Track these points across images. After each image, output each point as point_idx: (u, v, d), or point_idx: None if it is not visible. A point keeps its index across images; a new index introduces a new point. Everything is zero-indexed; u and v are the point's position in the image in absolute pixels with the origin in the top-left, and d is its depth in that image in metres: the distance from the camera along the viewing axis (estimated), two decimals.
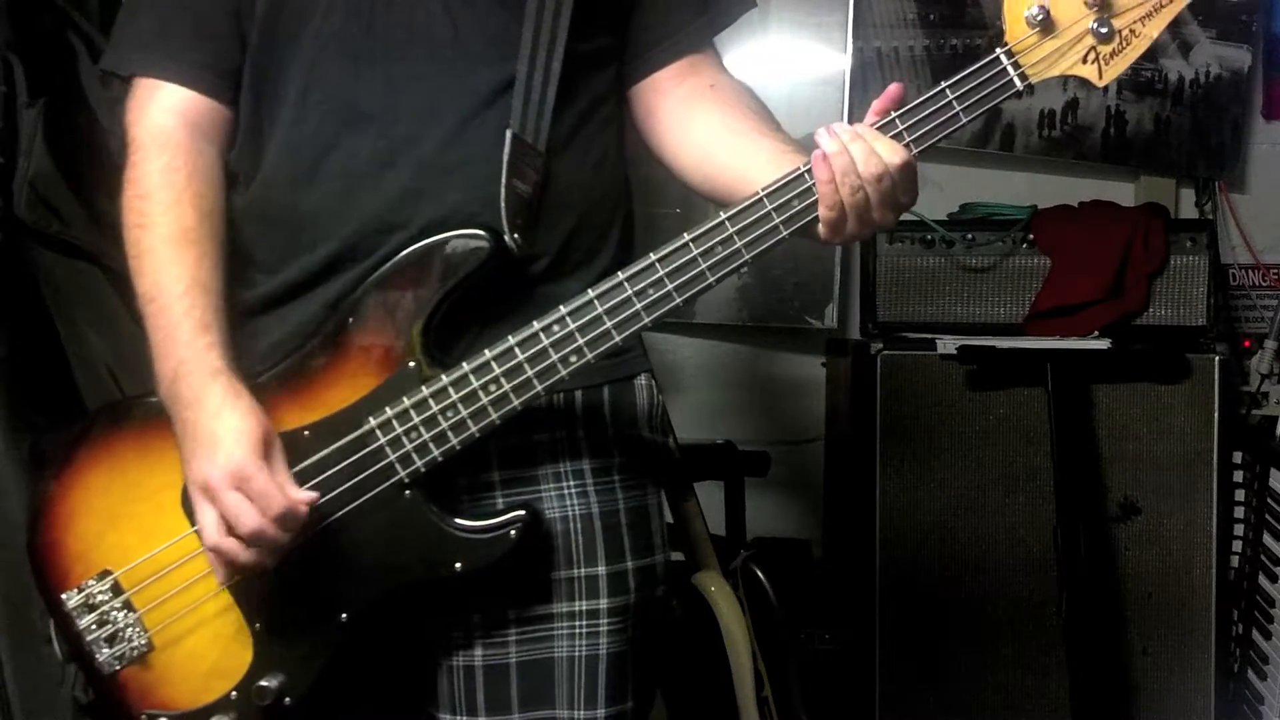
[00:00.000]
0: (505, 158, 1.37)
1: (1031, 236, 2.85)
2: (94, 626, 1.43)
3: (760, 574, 2.57)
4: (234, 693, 1.41)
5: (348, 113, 1.39)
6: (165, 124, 1.42)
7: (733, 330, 3.26)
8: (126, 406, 1.47)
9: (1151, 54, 3.16)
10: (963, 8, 3.08)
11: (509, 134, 1.37)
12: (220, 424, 1.31)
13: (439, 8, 1.39)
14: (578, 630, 1.44)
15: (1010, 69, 1.31)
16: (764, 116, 1.49)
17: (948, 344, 2.71)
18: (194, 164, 1.41)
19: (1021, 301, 2.85)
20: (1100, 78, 1.34)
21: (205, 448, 1.31)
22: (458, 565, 1.37)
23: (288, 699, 1.39)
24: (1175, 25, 3.14)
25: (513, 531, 1.37)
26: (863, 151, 1.28)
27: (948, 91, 1.31)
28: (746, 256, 1.32)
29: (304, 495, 1.32)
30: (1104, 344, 2.69)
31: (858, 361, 2.81)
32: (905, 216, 2.97)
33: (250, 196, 1.44)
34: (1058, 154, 3.21)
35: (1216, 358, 2.72)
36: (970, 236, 2.86)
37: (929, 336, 2.76)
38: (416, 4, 1.39)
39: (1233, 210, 3.25)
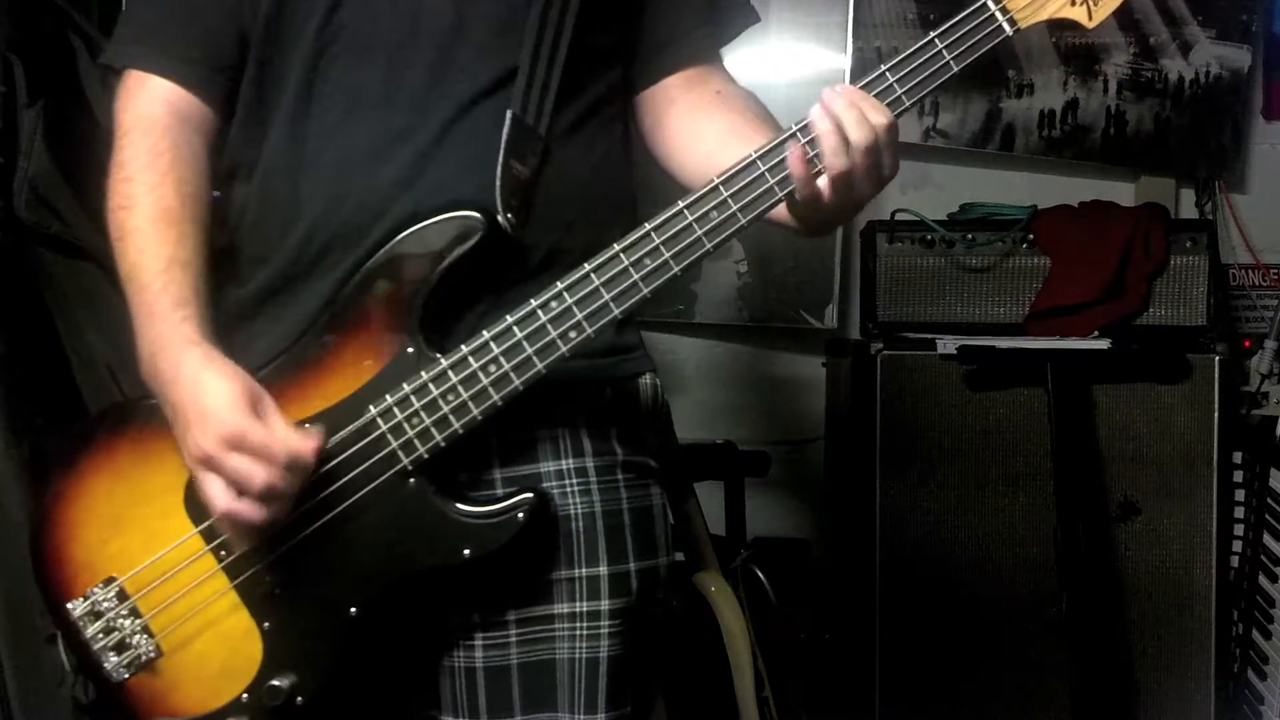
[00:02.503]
0: (504, 137, 1.36)
1: (1031, 236, 2.85)
2: (100, 635, 1.41)
3: (760, 574, 2.57)
4: (245, 695, 1.39)
5: (349, 102, 1.39)
6: (152, 111, 1.42)
7: (733, 330, 3.27)
8: (125, 410, 1.45)
9: (1152, 54, 3.16)
10: (962, 8, 3.07)
11: (509, 114, 1.37)
12: (202, 391, 1.30)
13: None
14: (578, 632, 1.43)
15: (999, 14, 1.31)
16: (769, 122, 1.48)
17: (948, 344, 2.71)
18: (178, 148, 1.41)
19: (1021, 301, 2.85)
20: (1090, 19, 1.33)
21: (194, 419, 1.30)
22: (466, 552, 1.35)
23: (299, 699, 1.38)
24: (1175, 25, 3.15)
25: (520, 514, 1.35)
26: (854, 118, 1.28)
27: (937, 41, 1.30)
28: (742, 221, 1.31)
29: (306, 441, 1.31)
30: (1104, 344, 2.69)
31: (858, 361, 2.81)
32: (905, 216, 2.99)
33: (250, 187, 1.44)
34: (1058, 154, 3.21)
35: (1216, 358, 2.72)
36: (970, 236, 2.86)
37: (929, 336, 2.76)
38: None
39: (1233, 210, 3.25)
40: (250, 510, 1.30)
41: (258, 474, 1.28)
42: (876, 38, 3.11)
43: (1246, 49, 3.18)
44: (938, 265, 2.87)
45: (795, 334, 3.26)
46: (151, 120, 1.41)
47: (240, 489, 1.29)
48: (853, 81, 1.34)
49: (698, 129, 1.50)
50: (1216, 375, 2.71)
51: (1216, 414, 2.71)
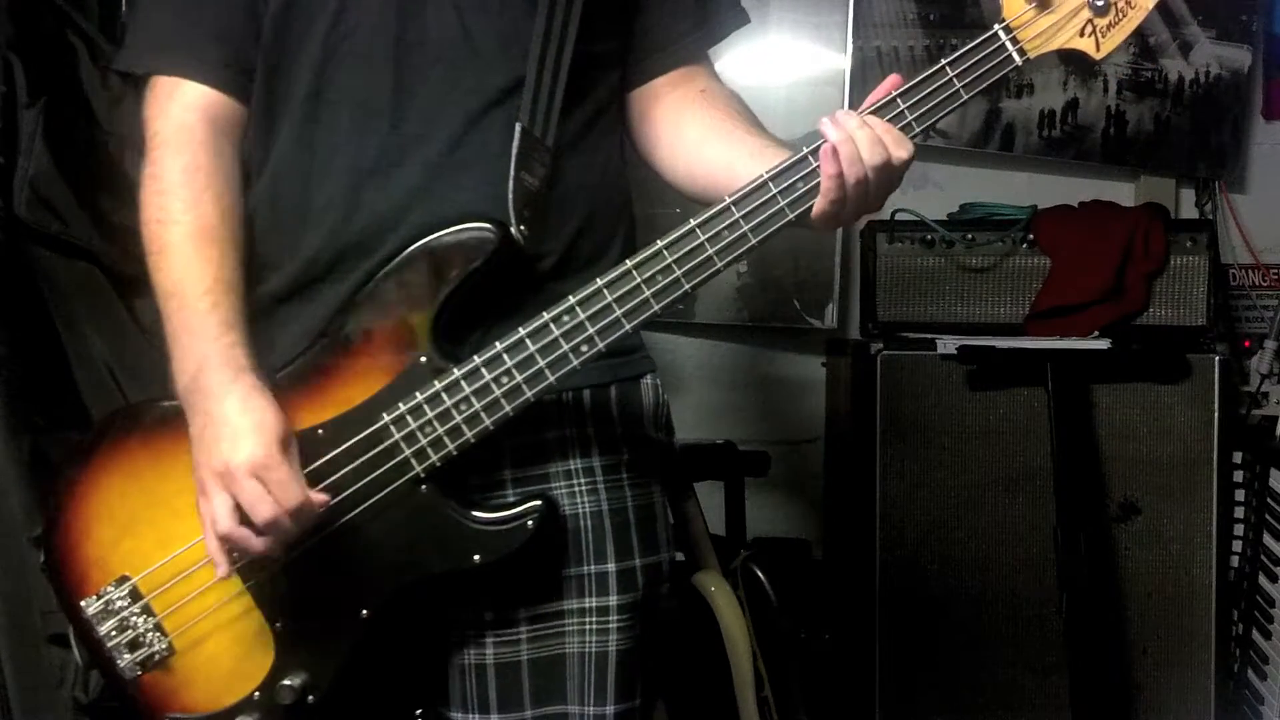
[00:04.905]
0: (514, 150, 1.38)
1: (1031, 236, 2.85)
2: (114, 633, 1.44)
3: (760, 574, 2.57)
4: (257, 693, 1.41)
5: (357, 111, 1.40)
6: (187, 121, 1.42)
7: (733, 330, 3.26)
8: (140, 411, 1.47)
9: (1151, 54, 3.16)
10: (963, 8, 3.08)
11: (518, 127, 1.39)
12: (244, 418, 1.31)
13: (450, 7, 1.40)
14: (588, 627, 1.45)
15: (1009, 44, 1.32)
16: (749, 118, 1.51)
17: (948, 344, 2.71)
18: (214, 163, 1.41)
19: (1021, 301, 2.85)
20: (1098, 50, 1.36)
21: (227, 438, 1.31)
22: (476, 558, 1.37)
23: (311, 698, 1.40)
24: (1175, 25, 3.15)
25: (530, 522, 1.38)
26: (868, 139, 1.30)
27: (948, 69, 1.32)
28: (753, 240, 1.33)
29: (317, 496, 1.33)
30: (1104, 344, 2.69)
31: (858, 361, 2.81)
32: (905, 216, 2.99)
33: (259, 191, 1.45)
34: (1058, 154, 3.21)
35: (1216, 358, 2.72)
36: (970, 236, 2.86)
37: (929, 336, 2.76)
38: (428, 3, 1.40)
39: (1233, 210, 3.25)
40: (246, 538, 1.32)
41: (266, 506, 1.30)
42: (876, 38, 3.11)
43: (1246, 49, 3.17)
44: (938, 265, 2.87)
45: (795, 334, 3.26)
46: (188, 130, 1.41)
47: (241, 516, 1.31)
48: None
49: (682, 126, 1.51)
50: (1216, 375, 2.71)
51: (1216, 414, 2.70)
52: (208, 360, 1.34)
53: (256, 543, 1.32)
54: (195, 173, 1.40)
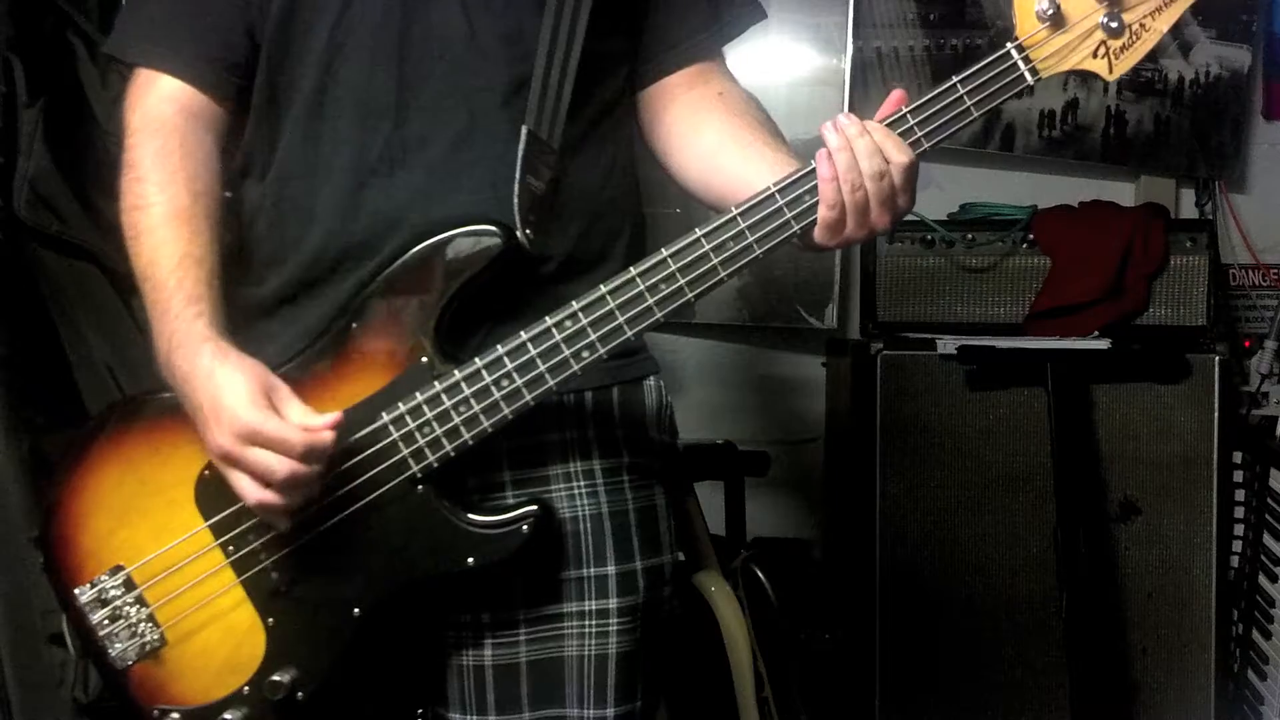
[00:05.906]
0: (520, 153, 1.37)
1: (1031, 236, 2.85)
2: (106, 622, 1.44)
3: (760, 574, 2.57)
4: (246, 687, 1.41)
5: (361, 110, 1.40)
6: (162, 112, 1.42)
7: (733, 330, 3.26)
8: (138, 403, 1.47)
9: (1152, 54, 3.15)
10: (963, 8, 3.08)
11: (524, 130, 1.38)
12: (217, 387, 1.31)
13: (455, 6, 1.39)
14: (587, 630, 1.45)
15: (1021, 64, 1.31)
16: (770, 128, 1.49)
17: (948, 344, 2.71)
18: (187, 147, 1.41)
19: (1021, 301, 2.85)
20: (1111, 72, 1.34)
21: (211, 416, 1.31)
22: (470, 560, 1.37)
23: (300, 694, 1.40)
24: (1175, 25, 3.14)
25: (525, 526, 1.37)
26: (866, 148, 1.29)
27: (959, 86, 1.31)
28: (758, 251, 1.32)
29: (322, 421, 1.32)
30: (1104, 344, 2.69)
31: (858, 361, 2.81)
32: (905, 216, 2.97)
33: (264, 188, 1.45)
34: (1058, 154, 3.21)
35: (1216, 358, 2.72)
36: (970, 236, 2.86)
37: (929, 336, 2.76)
38: (433, 2, 1.39)
39: (1233, 210, 3.25)
40: (278, 499, 1.31)
41: (278, 467, 1.30)
42: (876, 38, 3.11)
43: (1246, 49, 3.17)
44: (938, 265, 2.87)
45: (795, 334, 3.26)
46: (160, 120, 1.42)
47: (264, 481, 1.30)
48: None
49: (697, 128, 1.50)
50: (1216, 375, 2.71)
51: (1216, 414, 2.70)
52: (174, 337, 1.35)
53: (288, 498, 1.32)
54: (168, 156, 1.40)
